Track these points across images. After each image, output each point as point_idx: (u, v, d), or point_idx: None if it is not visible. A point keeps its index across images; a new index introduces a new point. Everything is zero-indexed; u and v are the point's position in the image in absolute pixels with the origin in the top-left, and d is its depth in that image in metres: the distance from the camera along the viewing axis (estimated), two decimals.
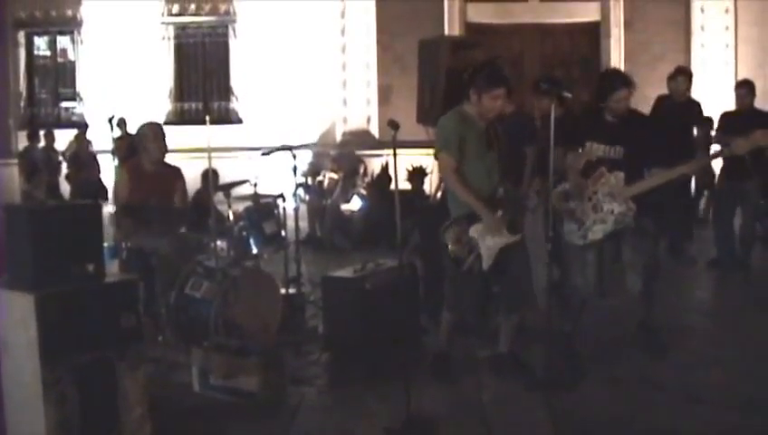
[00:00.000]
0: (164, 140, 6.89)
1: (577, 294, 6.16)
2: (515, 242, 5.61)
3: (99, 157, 15.81)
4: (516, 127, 7.01)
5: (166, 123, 17.19)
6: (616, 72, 6.23)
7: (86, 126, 16.61)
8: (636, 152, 5.93)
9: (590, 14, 17.81)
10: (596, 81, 6.19)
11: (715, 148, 8.80)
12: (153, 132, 6.89)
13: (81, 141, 16.34)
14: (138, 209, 6.66)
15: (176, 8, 18.67)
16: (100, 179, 15.57)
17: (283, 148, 7.50)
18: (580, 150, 6.02)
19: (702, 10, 17.33)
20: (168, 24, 18.72)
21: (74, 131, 16.82)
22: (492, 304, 6.22)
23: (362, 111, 17.87)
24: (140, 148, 6.92)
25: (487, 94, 5.50)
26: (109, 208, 7.31)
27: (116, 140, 13.97)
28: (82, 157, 16.01)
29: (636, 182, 5.90)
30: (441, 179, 6.40)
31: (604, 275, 6.21)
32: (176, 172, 7.08)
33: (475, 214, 5.51)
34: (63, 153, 16.46)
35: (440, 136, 5.69)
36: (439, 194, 7.23)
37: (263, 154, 7.58)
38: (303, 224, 11.03)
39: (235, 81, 18.66)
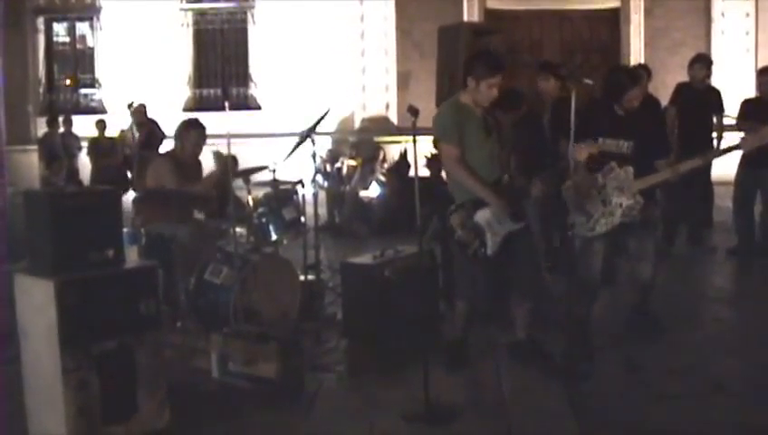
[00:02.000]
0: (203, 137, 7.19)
1: (585, 284, 6.13)
2: (520, 229, 5.60)
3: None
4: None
5: (184, 110, 17.34)
6: (625, 70, 6.11)
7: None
8: (644, 144, 5.89)
9: (609, 0, 17.71)
10: (605, 80, 6.07)
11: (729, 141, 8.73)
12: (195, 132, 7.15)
13: (102, 128, 16.37)
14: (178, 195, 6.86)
15: None
16: (121, 166, 15.57)
17: (311, 132, 7.50)
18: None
19: None
20: (187, 10, 18.74)
21: (95, 117, 16.84)
22: (507, 290, 6.20)
23: (381, 98, 17.86)
24: (179, 140, 7.15)
25: (485, 81, 5.48)
26: (129, 196, 7.35)
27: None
28: (103, 143, 16.04)
29: (645, 176, 5.87)
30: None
31: (611, 266, 6.20)
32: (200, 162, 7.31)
33: (479, 199, 5.50)
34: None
35: (438, 126, 5.65)
36: None
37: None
38: (322, 210, 11.02)
39: (254, 67, 18.67)
